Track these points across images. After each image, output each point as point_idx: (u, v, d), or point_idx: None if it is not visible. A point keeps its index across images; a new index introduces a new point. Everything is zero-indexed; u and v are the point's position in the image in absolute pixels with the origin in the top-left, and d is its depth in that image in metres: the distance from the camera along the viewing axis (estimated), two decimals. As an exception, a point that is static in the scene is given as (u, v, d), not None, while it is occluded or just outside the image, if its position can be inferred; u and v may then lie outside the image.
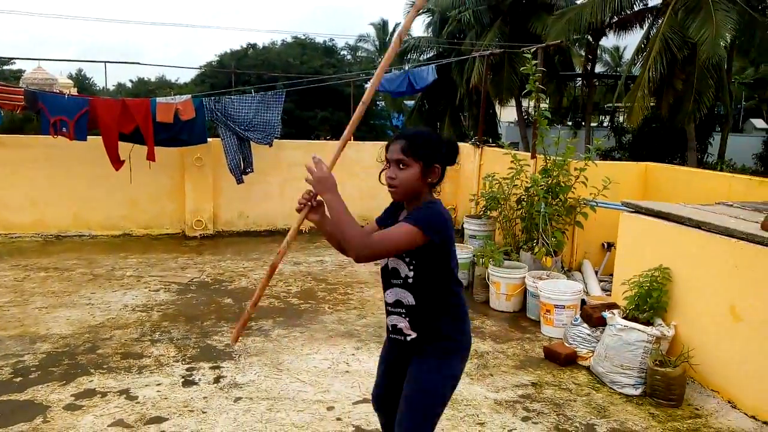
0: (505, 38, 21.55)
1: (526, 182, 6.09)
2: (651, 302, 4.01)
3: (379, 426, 3.34)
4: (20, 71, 25.48)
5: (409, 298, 2.21)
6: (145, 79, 38.65)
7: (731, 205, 4.54)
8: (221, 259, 6.98)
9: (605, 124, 30.89)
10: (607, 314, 4.11)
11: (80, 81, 39.26)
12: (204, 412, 3.45)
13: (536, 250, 5.65)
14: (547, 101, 31.92)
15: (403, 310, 2.23)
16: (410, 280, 2.18)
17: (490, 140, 7.38)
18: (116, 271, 6.35)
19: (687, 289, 3.94)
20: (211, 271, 6.48)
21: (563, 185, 5.75)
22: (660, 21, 17.60)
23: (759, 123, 31.71)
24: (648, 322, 3.97)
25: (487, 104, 23.60)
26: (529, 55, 5.81)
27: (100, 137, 7.15)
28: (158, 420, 3.35)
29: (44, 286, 5.77)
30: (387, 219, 2.40)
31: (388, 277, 2.24)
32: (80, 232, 7.91)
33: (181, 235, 8.11)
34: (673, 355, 3.91)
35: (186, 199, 8.05)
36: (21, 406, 3.46)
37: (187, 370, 4.01)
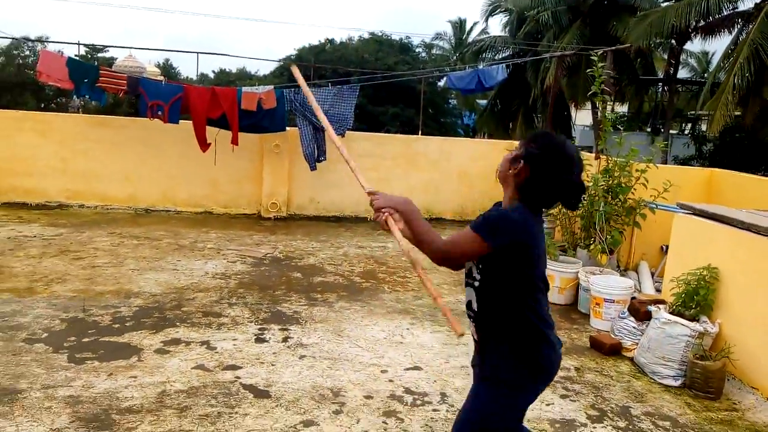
0: (584, 40, 21.23)
1: (588, 182, 6.24)
2: (698, 299, 4.15)
3: (427, 389, 3.71)
4: (113, 59, 27.27)
5: (474, 303, 2.08)
6: (227, 70, 40.40)
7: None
8: (293, 239, 7.50)
9: (687, 132, 29.78)
10: (653, 308, 4.28)
11: (166, 70, 41.49)
12: (273, 365, 3.90)
13: (592, 247, 5.81)
14: (626, 105, 31.13)
15: (471, 313, 2.11)
16: (476, 283, 2.05)
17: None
18: (198, 243, 6.98)
19: (734, 288, 4.05)
20: (283, 248, 7.01)
21: (624, 186, 5.88)
22: (750, 26, 16.93)
23: None
24: (694, 319, 4.12)
25: (561, 106, 23.45)
26: (596, 57, 5.97)
27: (190, 121, 7.84)
28: (234, 367, 3.83)
29: (136, 252, 6.45)
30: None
31: (466, 275, 2.12)
32: (167, 207, 8.67)
33: (256, 216, 8.73)
34: (716, 352, 4.04)
35: (263, 183, 8.65)
36: (119, 347, 4.03)
37: (259, 329, 4.49)
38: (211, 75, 39.53)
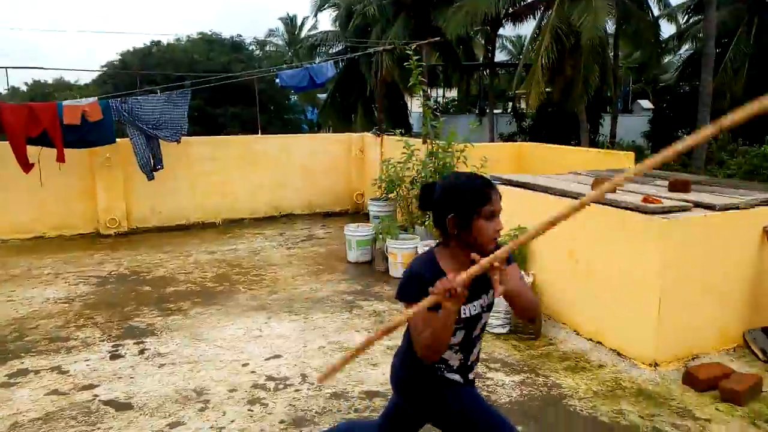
0: (410, 31, 22.40)
1: (418, 165, 6.83)
2: (514, 256, 4.80)
3: (287, 373, 3.96)
4: None
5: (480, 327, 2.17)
6: (42, 81, 36.82)
7: (579, 174, 5.44)
8: (137, 253, 7.28)
9: (509, 111, 32.60)
10: (479, 269, 4.88)
11: (-30, 86, 36.86)
12: (132, 378, 3.91)
13: (427, 223, 6.39)
14: (456, 91, 33.21)
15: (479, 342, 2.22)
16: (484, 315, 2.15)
17: (403, 130, 8.04)
18: (33, 270, 6.55)
19: (541, 243, 4.77)
20: (128, 264, 6.80)
21: (448, 165, 6.52)
22: (549, 12, 18.98)
23: (646, 104, 34.38)
24: (513, 274, 4.78)
25: (397, 96, 24.56)
26: (410, 51, 6.52)
27: (6, 142, 7.25)
28: (90, 387, 3.79)
29: (-40, 289, 5.92)
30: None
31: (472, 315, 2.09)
32: (-10, 237, 7.94)
33: (95, 234, 8.29)
34: (533, 298, 4.73)
35: (98, 199, 8.23)
36: (-44, 389, 3.79)
37: (113, 346, 4.43)
38: (24, 88, 35.81)
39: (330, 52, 25.91)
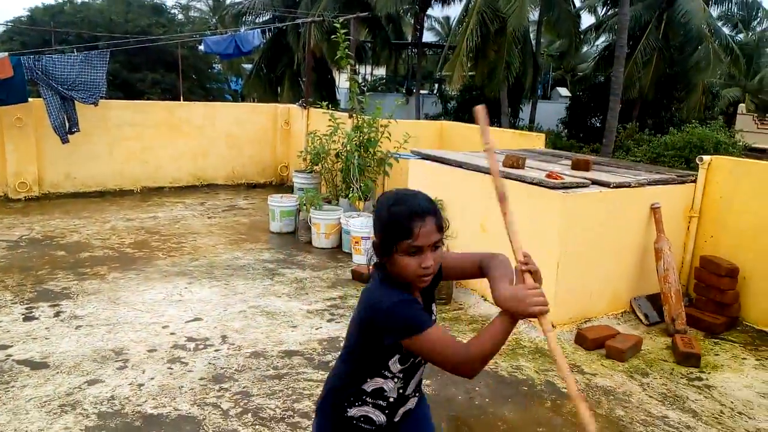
0: (340, 4, 22.26)
1: (343, 138, 6.96)
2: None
3: (208, 335, 4.05)
4: None
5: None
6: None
7: (495, 152, 5.76)
8: (50, 219, 7.03)
9: (435, 92, 33.13)
10: (397, 239, 5.13)
11: None
12: (47, 338, 3.89)
13: (351, 195, 6.57)
14: (384, 68, 33.31)
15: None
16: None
17: (321, 104, 8.06)
18: (-66, 233, 6.22)
19: (454, 213, 5.06)
20: (40, 229, 6.58)
21: (372, 140, 6.70)
22: (477, -5, 19.37)
23: (564, 91, 35.88)
24: (429, 244, 5.05)
25: (325, 70, 24.41)
26: (338, 25, 6.61)
27: None
28: (3, 347, 3.73)
29: None
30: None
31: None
32: None
33: (3, 198, 7.90)
34: (446, 267, 5.03)
35: (6, 161, 7.84)
36: None
37: (26, 309, 4.35)
38: None
39: (257, 21, 25.31)
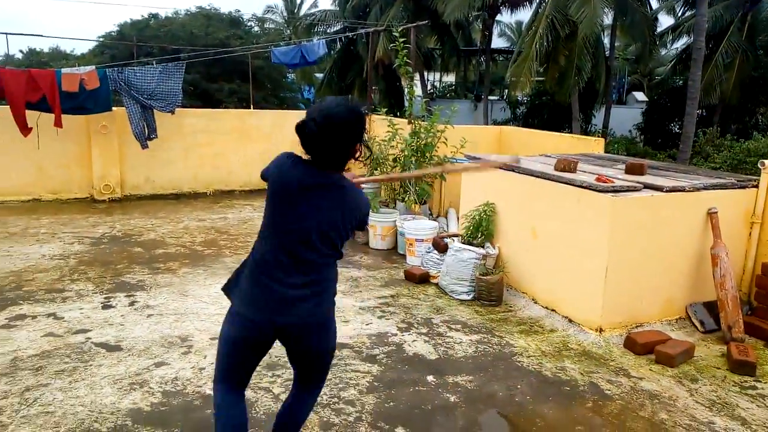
0: (409, 12, 22.54)
1: (401, 144, 7.14)
2: (481, 230, 5.17)
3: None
4: None
5: None
6: (37, 50, 36.70)
7: (549, 156, 5.78)
8: (130, 218, 7.60)
9: (504, 98, 32.80)
10: (448, 240, 5.24)
11: (-35, 51, 36.67)
12: (122, 325, 4.26)
13: (407, 199, 6.74)
14: (453, 75, 33.30)
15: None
16: None
17: (398, 112, 8.36)
18: (30, 230, 6.86)
19: (506, 218, 5.13)
20: (121, 227, 7.13)
21: (429, 145, 6.84)
22: (546, 0, 19.16)
23: (640, 96, 34.65)
24: (481, 246, 5.14)
25: (394, 78, 24.75)
26: (397, 33, 6.81)
27: (7, 106, 7.52)
28: (83, 331, 4.13)
29: (-39, 243, 6.24)
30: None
31: None
32: (-12, 198, 8.24)
33: (89, 199, 8.60)
34: (496, 269, 5.10)
35: (93, 165, 8.52)
36: (-40, 329, 4.13)
37: (105, 298, 4.78)
38: (19, 56, 35.68)
39: (328, 31, 26.01)
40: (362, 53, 23.71)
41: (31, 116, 7.72)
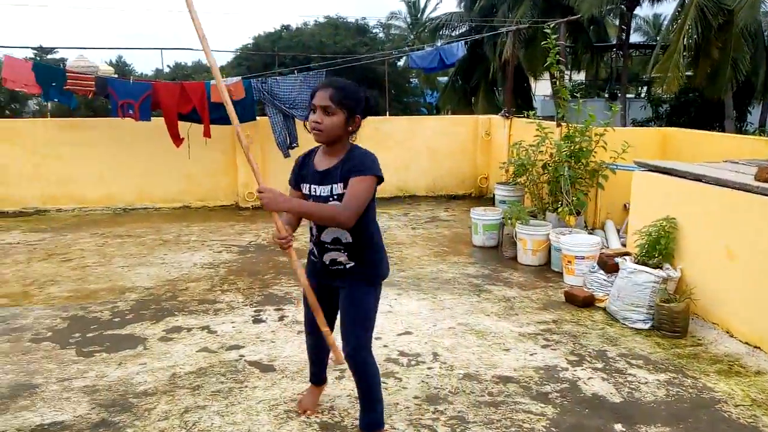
0: (538, 11, 21.61)
1: (551, 149, 6.58)
2: (659, 248, 4.51)
3: (419, 350, 4.00)
4: (63, 60, 26.63)
5: (347, 236, 2.65)
6: (182, 63, 39.75)
7: (737, 162, 4.97)
8: (273, 227, 7.66)
9: (643, 95, 30.54)
10: (620, 260, 4.63)
11: (120, 67, 40.58)
12: (273, 342, 4.14)
13: (560, 210, 6.16)
14: (583, 73, 31.64)
15: (342, 247, 2.68)
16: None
17: (526, 113, 7.88)
18: (182, 237, 7.12)
19: (691, 235, 4.43)
20: (266, 235, 7.20)
21: (585, 150, 6.22)
22: (695, -12, 17.48)
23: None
24: (658, 267, 4.48)
25: (521, 78, 23.85)
26: (549, 30, 6.26)
27: (161, 118, 7.90)
28: (236, 347, 4.05)
29: (122, 250, 6.57)
30: (298, 175, 2.79)
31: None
32: (144, 204, 8.74)
33: (234, 207, 8.86)
34: (680, 294, 4.42)
35: (238, 173, 8.77)
36: (124, 339, 4.22)
37: (255, 311, 4.71)
38: (167, 70, 38.82)
39: (454, 34, 25.60)
40: (488, 54, 23.06)
41: (182, 127, 8.06)
